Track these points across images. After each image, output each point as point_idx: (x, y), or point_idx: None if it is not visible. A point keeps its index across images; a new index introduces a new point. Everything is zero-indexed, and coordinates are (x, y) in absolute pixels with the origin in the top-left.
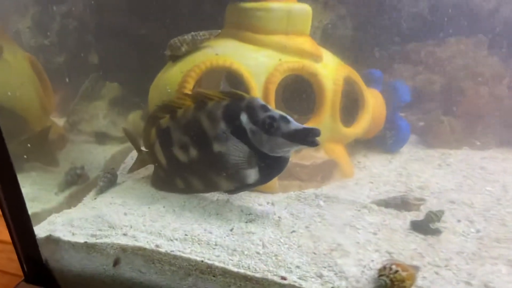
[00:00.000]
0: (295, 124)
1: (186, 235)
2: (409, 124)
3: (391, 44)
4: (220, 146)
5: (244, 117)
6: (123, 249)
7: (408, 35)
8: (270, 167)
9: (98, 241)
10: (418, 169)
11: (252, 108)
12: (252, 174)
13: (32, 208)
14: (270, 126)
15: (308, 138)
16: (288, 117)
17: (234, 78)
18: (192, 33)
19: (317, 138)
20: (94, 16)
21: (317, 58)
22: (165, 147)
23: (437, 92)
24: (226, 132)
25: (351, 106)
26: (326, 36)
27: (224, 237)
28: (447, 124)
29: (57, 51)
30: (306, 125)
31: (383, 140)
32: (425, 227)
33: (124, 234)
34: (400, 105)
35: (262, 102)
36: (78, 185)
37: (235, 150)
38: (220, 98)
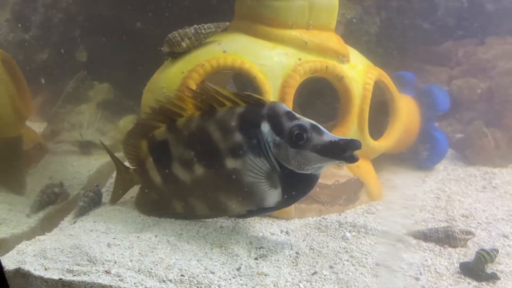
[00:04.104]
0: (329, 136)
1: (182, 275)
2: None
3: (424, 43)
4: (235, 162)
5: (265, 127)
6: None
7: (444, 32)
8: (296, 187)
9: (75, 278)
10: (459, 191)
11: (275, 116)
12: (273, 196)
13: None
14: (298, 138)
15: (346, 152)
16: (321, 126)
17: (244, 81)
18: (196, 26)
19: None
20: (83, 8)
21: (343, 58)
22: (161, 164)
23: (478, 99)
24: (243, 146)
25: (380, 114)
26: (349, 33)
27: (230, 280)
28: (491, 137)
29: (40, 47)
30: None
31: (416, 155)
32: (478, 270)
33: (107, 272)
34: (437, 114)
35: (287, 108)
36: (55, 205)
37: (254, 167)
38: (234, 102)
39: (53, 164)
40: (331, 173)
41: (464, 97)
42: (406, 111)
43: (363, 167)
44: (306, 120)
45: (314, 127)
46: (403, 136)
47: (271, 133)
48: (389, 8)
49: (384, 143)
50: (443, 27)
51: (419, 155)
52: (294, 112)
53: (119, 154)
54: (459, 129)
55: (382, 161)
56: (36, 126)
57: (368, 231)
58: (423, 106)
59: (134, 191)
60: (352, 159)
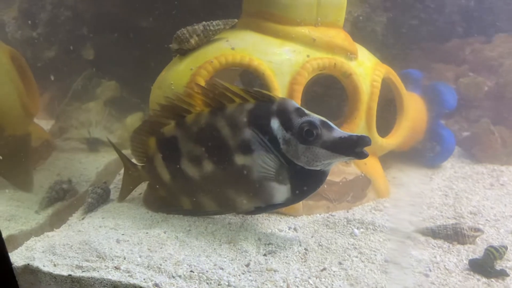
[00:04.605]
0: (339, 132)
1: (191, 271)
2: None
3: (430, 40)
4: (244, 158)
5: (275, 123)
6: (115, 286)
7: (450, 29)
8: (305, 184)
9: (84, 274)
10: (467, 189)
11: (285, 112)
12: (282, 192)
13: (7, 229)
14: (308, 134)
15: (356, 148)
16: (330, 123)
17: (250, 78)
18: (204, 22)
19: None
20: (90, 6)
21: (351, 55)
22: (169, 161)
23: (484, 97)
24: (252, 142)
25: (387, 112)
26: (356, 30)
27: (239, 275)
28: (498, 135)
29: (47, 45)
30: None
31: (423, 152)
32: (487, 267)
33: (116, 268)
34: (443, 112)
35: (296, 104)
36: (63, 201)
37: (263, 163)
38: (243, 98)
39: (61, 161)
40: (339, 170)
41: (471, 95)
42: (413, 109)
43: (371, 164)
44: (316, 117)
45: (324, 123)
46: (410, 133)
47: (281, 129)
48: (396, 6)
49: (391, 141)
50: (450, 25)
51: (426, 152)
52: (303, 109)
53: (126, 152)
54: (465, 127)
55: (389, 158)
56: (43, 124)
57: (376, 228)
58: (430, 104)
59: (142, 187)
60: (362, 155)
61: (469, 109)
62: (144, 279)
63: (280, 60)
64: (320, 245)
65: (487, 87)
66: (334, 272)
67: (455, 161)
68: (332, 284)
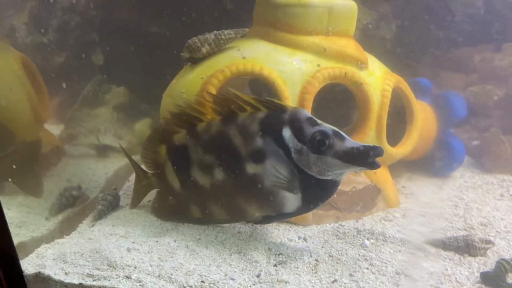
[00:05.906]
0: (351, 142)
1: (202, 281)
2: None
3: (440, 49)
4: (256, 167)
5: (287, 133)
6: None
7: (460, 38)
8: (316, 193)
9: (95, 283)
10: (477, 199)
11: (297, 122)
12: (292, 201)
13: (18, 236)
14: (320, 143)
15: (368, 159)
16: (342, 133)
17: (261, 87)
18: (215, 31)
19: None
20: (99, 11)
21: (362, 64)
22: (180, 169)
23: (494, 106)
24: (264, 151)
25: (396, 120)
26: (365, 39)
27: (250, 287)
28: (508, 145)
29: (57, 51)
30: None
31: (432, 162)
32: (499, 280)
33: (127, 277)
34: (453, 121)
35: (308, 114)
36: (73, 207)
37: (275, 172)
38: (255, 107)
39: (71, 167)
40: (349, 180)
41: (481, 103)
42: (423, 118)
43: (380, 174)
44: (328, 126)
45: (336, 133)
46: (419, 142)
47: (293, 139)
48: (405, 14)
49: (401, 150)
50: (460, 33)
51: (435, 162)
52: (315, 118)
53: (135, 158)
54: (475, 136)
55: (398, 167)
56: (53, 128)
57: (386, 238)
58: (440, 113)
59: (151, 194)
60: (375, 166)
61: (478, 118)
62: None
63: (291, 69)
64: (330, 256)
65: (496, 96)
66: (345, 284)
67: (464, 171)
68: None
